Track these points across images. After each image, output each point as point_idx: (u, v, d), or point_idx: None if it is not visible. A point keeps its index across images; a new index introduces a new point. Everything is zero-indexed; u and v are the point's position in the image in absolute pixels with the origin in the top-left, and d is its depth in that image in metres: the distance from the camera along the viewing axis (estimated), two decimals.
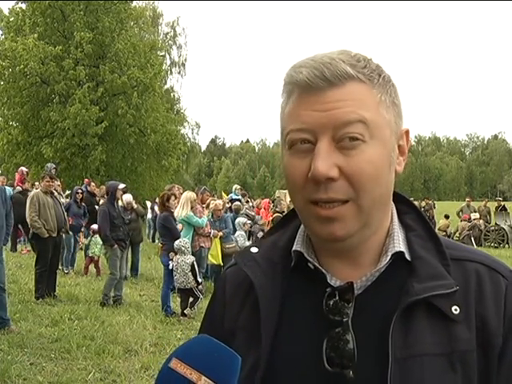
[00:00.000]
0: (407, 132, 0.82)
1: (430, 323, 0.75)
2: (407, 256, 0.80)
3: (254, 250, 0.88)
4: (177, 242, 6.85)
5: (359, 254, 0.81)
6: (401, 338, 0.74)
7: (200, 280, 6.88)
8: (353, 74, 0.74)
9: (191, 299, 6.84)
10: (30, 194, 7.81)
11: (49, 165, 11.49)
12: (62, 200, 9.49)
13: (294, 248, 0.85)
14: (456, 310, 0.76)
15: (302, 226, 0.86)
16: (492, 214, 19.38)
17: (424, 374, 0.73)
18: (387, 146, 0.76)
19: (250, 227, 10.79)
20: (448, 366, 0.74)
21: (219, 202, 9.33)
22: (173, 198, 7.43)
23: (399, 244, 0.80)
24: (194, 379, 0.68)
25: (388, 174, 0.77)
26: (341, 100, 0.74)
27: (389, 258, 0.79)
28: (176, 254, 6.83)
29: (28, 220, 7.39)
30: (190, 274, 6.65)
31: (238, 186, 14.66)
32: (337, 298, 0.77)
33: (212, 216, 8.67)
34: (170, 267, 6.88)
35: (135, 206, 9.60)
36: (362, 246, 0.80)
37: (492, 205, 20.61)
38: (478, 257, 0.82)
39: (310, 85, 0.74)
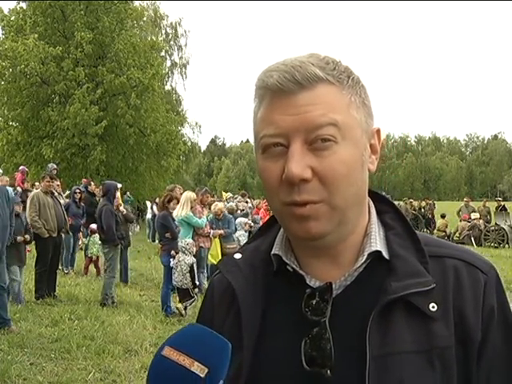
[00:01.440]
0: (378, 131, 0.83)
1: (408, 321, 0.76)
2: (385, 255, 0.81)
3: (238, 256, 0.90)
4: (182, 243, 6.85)
5: (338, 253, 0.81)
6: (378, 336, 0.75)
7: (197, 283, 6.87)
8: (322, 76, 0.75)
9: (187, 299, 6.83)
10: (30, 195, 7.81)
11: (50, 165, 11.50)
12: (62, 200, 9.47)
13: (272, 252, 0.86)
14: (433, 307, 0.76)
15: (281, 230, 0.88)
16: (492, 213, 19.39)
17: (402, 371, 0.73)
18: (359, 146, 0.77)
19: (251, 227, 10.79)
20: (427, 363, 0.74)
21: (220, 204, 9.31)
22: (175, 201, 7.43)
23: (376, 243, 0.81)
24: (186, 365, 0.69)
25: (361, 173, 0.78)
26: (312, 103, 0.74)
27: (365, 257, 0.80)
28: (177, 252, 6.83)
29: (28, 220, 7.39)
30: (188, 274, 6.65)
31: (230, 195, 14.70)
32: (317, 298, 0.78)
33: (214, 216, 8.67)
34: (171, 264, 6.88)
35: (123, 210, 8.86)
36: (341, 246, 0.81)
37: (492, 205, 20.62)
38: (457, 253, 0.82)
39: (281, 88, 0.75)
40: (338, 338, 0.75)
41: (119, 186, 8.19)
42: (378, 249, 0.80)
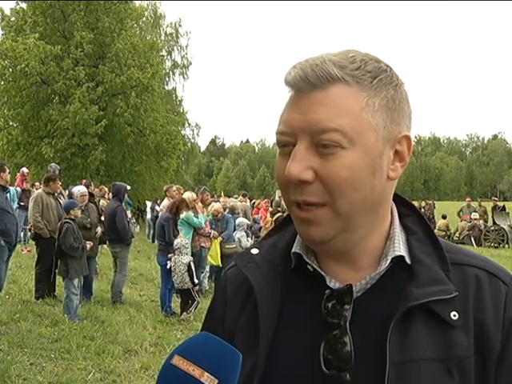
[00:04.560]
0: (407, 137, 0.78)
1: (428, 328, 0.75)
2: (407, 260, 0.80)
3: (255, 251, 0.88)
4: (177, 241, 6.84)
5: (356, 256, 0.81)
6: (398, 342, 0.74)
7: (196, 281, 6.86)
8: (338, 76, 0.73)
9: (190, 301, 6.82)
10: (34, 195, 7.78)
11: (53, 165, 11.34)
12: (62, 200, 9.46)
13: (293, 250, 0.84)
14: (455, 315, 0.75)
15: None
16: (488, 213, 19.38)
17: (421, 379, 0.73)
18: (371, 152, 0.74)
19: (251, 228, 10.79)
20: (445, 372, 0.74)
21: (217, 204, 9.29)
22: (185, 208, 7.44)
23: (399, 248, 0.80)
24: (196, 375, 0.68)
25: (371, 179, 0.75)
26: (319, 104, 0.73)
27: (389, 261, 0.79)
28: (174, 253, 6.82)
29: (31, 220, 7.40)
30: (186, 274, 6.65)
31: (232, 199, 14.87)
32: (333, 301, 0.77)
33: (212, 216, 8.65)
34: (168, 267, 6.88)
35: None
36: (356, 249, 0.80)
37: (488, 204, 20.64)
38: (479, 262, 0.82)
39: (295, 87, 0.75)
40: (356, 341, 0.74)
41: (128, 188, 8.32)
42: (402, 254, 0.79)
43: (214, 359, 0.69)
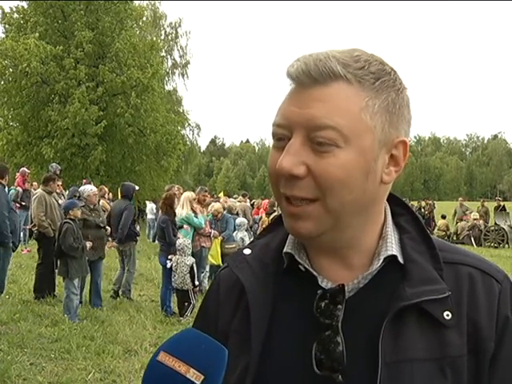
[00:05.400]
0: (404, 143, 0.77)
1: (421, 328, 0.75)
2: (400, 259, 0.79)
3: (247, 251, 0.88)
4: (180, 241, 6.84)
5: (348, 255, 0.80)
6: (391, 342, 0.74)
7: (197, 283, 6.86)
8: (340, 73, 0.72)
9: (186, 303, 6.81)
10: (37, 195, 7.79)
11: (54, 165, 11.33)
12: (61, 201, 9.46)
13: (284, 250, 0.83)
14: (448, 315, 0.75)
15: None
16: (490, 213, 19.36)
17: (414, 379, 0.72)
18: (366, 154, 0.73)
19: (250, 228, 10.79)
20: (438, 372, 0.73)
21: (217, 204, 9.29)
22: (176, 202, 7.53)
23: (392, 247, 0.79)
24: (182, 371, 0.68)
25: (364, 182, 0.74)
26: (319, 100, 0.72)
27: (381, 261, 0.78)
28: (176, 253, 6.82)
29: (35, 220, 7.42)
30: (188, 275, 6.65)
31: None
32: (326, 300, 0.76)
33: (212, 216, 8.65)
34: (168, 266, 6.88)
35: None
36: (348, 248, 0.80)
37: (491, 205, 20.60)
38: (472, 260, 0.81)
39: (296, 80, 0.75)
40: (349, 342, 0.74)
41: (137, 188, 8.47)
42: (394, 253, 0.79)
43: (200, 355, 0.69)
